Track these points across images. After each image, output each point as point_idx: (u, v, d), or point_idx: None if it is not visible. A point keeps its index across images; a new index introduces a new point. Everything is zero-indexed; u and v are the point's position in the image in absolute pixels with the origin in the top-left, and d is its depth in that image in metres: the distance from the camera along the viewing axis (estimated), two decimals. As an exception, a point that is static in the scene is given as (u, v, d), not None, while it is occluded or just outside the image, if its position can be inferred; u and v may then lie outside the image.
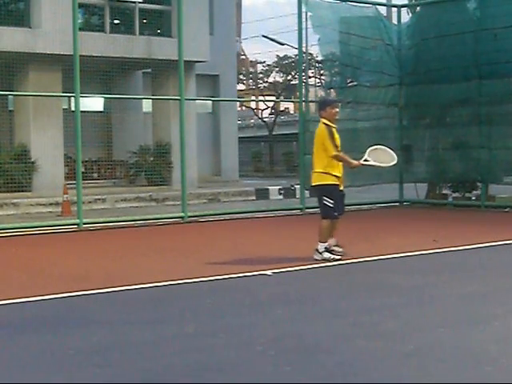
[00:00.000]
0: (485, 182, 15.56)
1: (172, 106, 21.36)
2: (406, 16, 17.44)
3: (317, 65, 37.76)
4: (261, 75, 49.43)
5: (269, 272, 8.03)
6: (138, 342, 5.32)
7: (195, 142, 22.68)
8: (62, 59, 19.28)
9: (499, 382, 4.36)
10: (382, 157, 9.24)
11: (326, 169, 8.91)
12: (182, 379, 4.48)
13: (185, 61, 14.57)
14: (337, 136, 9.00)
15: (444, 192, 17.00)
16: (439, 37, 15.86)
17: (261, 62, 50.97)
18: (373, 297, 6.80)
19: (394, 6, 18.35)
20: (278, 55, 45.97)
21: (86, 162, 21.28)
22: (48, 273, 8.50)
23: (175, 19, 18.50)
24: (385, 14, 18.44)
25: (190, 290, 7.34)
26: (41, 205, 18.09)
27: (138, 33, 21.80)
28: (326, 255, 8.79)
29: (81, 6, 19.61)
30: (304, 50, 17.47)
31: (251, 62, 53.51)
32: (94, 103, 23.58)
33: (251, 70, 52.49)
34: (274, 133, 44.13)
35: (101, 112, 23.78)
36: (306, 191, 15.41)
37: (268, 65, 47.77)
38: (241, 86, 49.14)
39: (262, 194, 21.84)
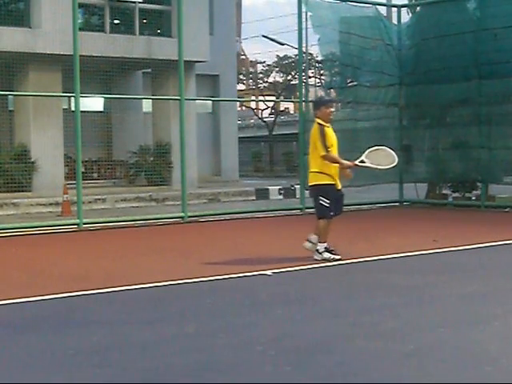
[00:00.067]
0: (485, 182, 15.56)
1: (172, 106, 21.36)
2: (405, 16, 17.47)
3: (317, 65, 37.80)
4: (261, 75, 49.44)
5: (269, 272, 8.03)
6: (138, 342, 5.32)
7: (195, 142, 22.68)
8: (62, 59, 19.28)
9: (499, 381, 4.36)
10: (381, 159, 9.18)
11: (321, 168, 8.92)
12: (182, 379, 4.48)
13: (185, 61, 14.58)
14: (331, 135, 8.98)
15: (444, 192, 17.00)
16: (439, 37, 15.86)
17: (261, 62, 51.03)
18: (373, 297, 6.80)
19: (394, 5, 18.36)
20: (278, 55, 46.02)
21: (86, 162, 21.27)
22: (48, 273, 8.50)
23: (175, 19, 18.50)
24: (385, 14, 18.43)
25: (189, 289, 7.34)
26: (41, 205, 18.08)
27: (138, 33, 21.80)
28: (326, 255, 8.80)
29: (81, 5, 19.61)
30: (304, 50, 17.46)
31: (251, 62, 53.52)
32: (93, 103, 23.58)
33: (251, 70, 52.51)
34: (273, 133, 44.13)
35: (101, 112, 23.78)
36: (306, 191, 15.38)
37: (268, 65, 47.81)
38: (241, 86, 49.17)
39: (262, 193, 21.84)
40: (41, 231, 12.65)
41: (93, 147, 21.62)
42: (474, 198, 16.15)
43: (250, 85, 52.94)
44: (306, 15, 17.13)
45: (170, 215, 14.39)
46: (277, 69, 46.44)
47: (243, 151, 33.76)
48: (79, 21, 18.65)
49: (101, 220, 13.71)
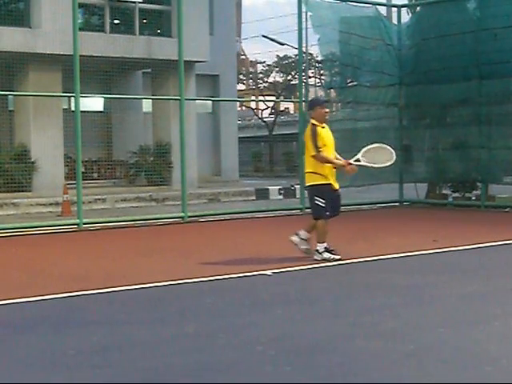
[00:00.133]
0: (485, 182, 15.56)
1: (172, 106, 21.36)
2: (406, 16, 17.46)
3: (317, 65, 37.82)
4: (261, 75, 49.43)
5: (269, 272, 8.03)
6: (138, 342, 5.33)
7: (195, 142, 22.68)
8: (62, 59, 19.27)
9: (499, 382, 4.36)
10: (377, 156, 9.17)
11: (314, 169, 8.93)
12: (182, 379, 4.48)
13: (185, 61, 14.58)
14: (325, 136, 8.96)
15: (444, 192, 17.00)
16: (439, 37, 15.86)
17: (261, 62, 51.02)
18: (373, 297, 6.80)
19: (394, 5, 18.35)
20: (278, 55, 46.01)
21: (86, 162, 21.27)
22: (48, 273, 8.50)
23: (175, 19, 18.49)
24: (385, 14, 18.43)
25: (189, 289, 7.34)
26: (41, 205, 18.08)
27: (138, 33, 21.80)
28: (326, 255, 8.80)
29: (81, 5, 19.61)
30: (304, 50, 17.48)
31: (251, 62, 53.52)
32: (94, 103, 23.57)
33: (251, 70, 52.51)
34: (273, 133, 44.12)
35: (101, 112, 23.77)
36: (306, 191, 15.40)
37: (268, 65, 47.80)
38: (241, 86, 49.15)
39: (262, 193, 21.84)
40: (41, 231, 12.65)
41: (93, 147, 21.61)
42: (474, 198, 16.15)
43: (250, 85, 52.94)
44: (306, 15, 17.16)
45: (170, 215, 14.39)
46: (277, 69, 46.44)
47: (243, 151, 33.76)
48: (79, 21, 18.63)
49: (101, 220, 13.71)
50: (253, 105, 54.89)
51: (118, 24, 22.24)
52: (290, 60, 43.75)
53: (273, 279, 7.79)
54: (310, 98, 16.46)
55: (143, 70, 23.99)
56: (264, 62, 51.40)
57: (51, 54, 19.73)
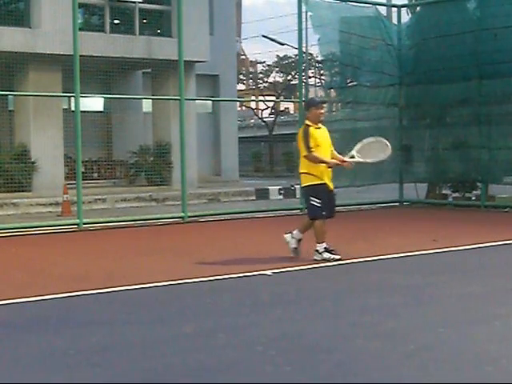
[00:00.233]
0: (485, 182, 15.56)
1: (172, 106, 21.35)
2: (405, 16, 17.46)
3: (317, 65, 37.81)
4: (261, 75, 49.42)
5: (269, 272, 8.03)
6: (138, 342, 5.33)
7: (195, 142, 22.68)
8: (62, 59, 19.27)
9: (499, 382, 4.36)
10: (372, 151, 9.16)
11: (307, 169, 8.95)
12: (182, 379, 4.48)
13: (185, 61, 14.58)
14: (319, 136, 8.95)
15: (444, 192, 17.00)
16: (439, 37, 15.86)
17: (261, 62, 51.02)
18: (373, 297, 6.80)
19: (394, 5, 18.35)
20: (278, 55, 45.99)
21: (86, 162, 21.26)
22: (48, 273, 8.50)
23: (175, 19, 18.48)
24: (385, 14, 18.43)
25: (189, 289, 7.34)
26: (41, 205, 18.08)
27: (137, 33, 21.79)
28: (326, 255, 8.80)
29: (81, 5, 19.60)
30: (304, 50, 17.49)
31: (251, 62, 53.53)
32: (93, 103, 23.57)
33: (251, 69, 52.52)
34: (273, 133, 44.12)
35: (101, 112, 23.77)
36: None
37: (268, 65, 47.79)
38: (241, 86, 49.15)
39: (262, 193, 21.84)
40: (41, 231, 12.65)
41: (93, 147, 21.61)
42: (473, 198, 16.15)
43: (250, 85, 52.93)
44: (306, 15, 17.17)
45: (170, 215, 14.39)
46: (277, 69, 46.42)
47: (243, 151, 33.75)
48: (79, 21, 18.65)
49: (101, 220, 13.71)
50: (253, 105, 54.89)
51: (117, 24, 22.24)
52: (290, 60, 43.75)
53: (273, 279, 7.79)
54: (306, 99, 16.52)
55: (143, 70, 23.99)
56: (264, 62, 51.52)
57: (51, 54, 19.73)
